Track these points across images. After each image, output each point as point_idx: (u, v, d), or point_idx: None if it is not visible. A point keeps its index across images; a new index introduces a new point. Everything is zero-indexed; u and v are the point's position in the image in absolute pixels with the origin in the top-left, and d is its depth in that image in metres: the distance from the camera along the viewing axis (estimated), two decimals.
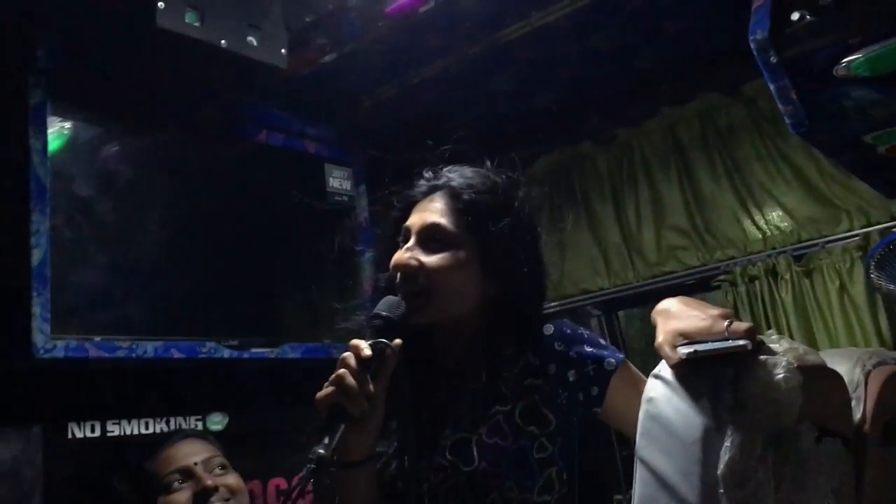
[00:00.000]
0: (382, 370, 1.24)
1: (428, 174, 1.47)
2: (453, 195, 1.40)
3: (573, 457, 1.33)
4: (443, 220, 1.37)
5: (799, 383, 1.01)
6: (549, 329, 1.36)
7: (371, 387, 1.20)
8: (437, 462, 1.28)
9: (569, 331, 1.36)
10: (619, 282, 3.26)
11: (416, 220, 1.39)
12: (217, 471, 1.89)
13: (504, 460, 1.25)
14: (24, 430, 2.10)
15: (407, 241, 1.38)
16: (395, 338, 1.25)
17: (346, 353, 1.22)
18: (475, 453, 1.26)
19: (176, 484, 1.83)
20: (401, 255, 1.36)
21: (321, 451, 1.12)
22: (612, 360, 1.32)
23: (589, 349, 1.33)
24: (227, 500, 1.84)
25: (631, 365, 1.34)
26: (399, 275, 1.34)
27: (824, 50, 1.50)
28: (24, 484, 2.07)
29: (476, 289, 1.37)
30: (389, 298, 1.31)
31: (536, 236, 1.46)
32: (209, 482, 1.81)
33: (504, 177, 1.45)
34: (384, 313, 1.28)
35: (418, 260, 1.34)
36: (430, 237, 1.36)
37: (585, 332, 1.38)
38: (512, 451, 1.26)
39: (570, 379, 1.31)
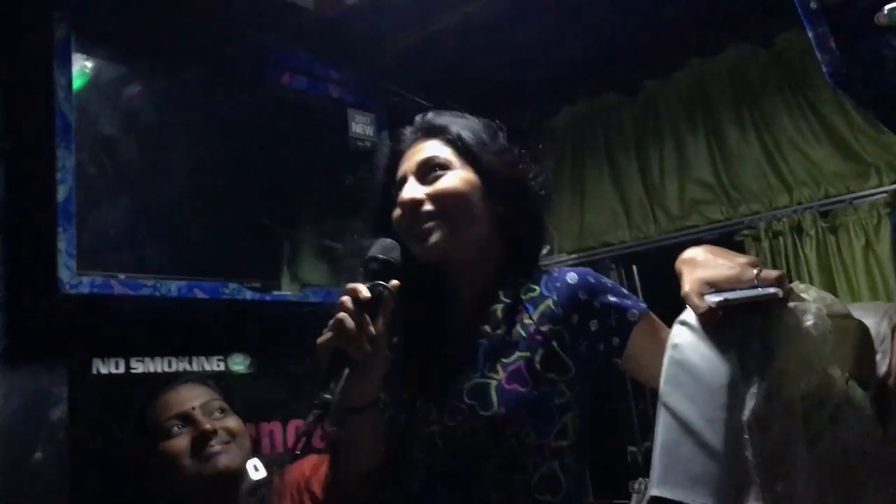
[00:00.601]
0: (382, 312, 1.21)
1: (407, 128, 1.46)
2: (438, 131, 1.40)
3: (588, 404, 1.32)
4: (435, 152, 1.37)
5: (828, 329, 1.01)
6: (573, 277, 1.34)
7: (372, 329, 1.18)
8: (453, 404, 1.26)
9: (592, 280, 1.34)
10: (640, 235, 3.25)
11: (407, 164, 1.38)
12: (216, 414, 1.89)
13: (524, 407, 1.24)
14: (50, 366, 2.13)
15: (403, 187, 1.36)
16: (391, 279, 1.23)
17: (344, 297, 1.19)
18: (494, 398, 1.24)
19: (175, 429, 1.83)
20: (404, 193, 1.33)
21: (326, 395, 1.11)
22: (636, 311, 1.30)
23: (613, 299, 1.31)
24: (227, 442, 1.85)
25: (654, 316, 1.32)
26: (406, 214, 1.32)
27: None
28: (50, 418, 2.11)
29: (484, 210, 1.35)
30: (383, 240, 1.29)
31: (527, 167, 1.43)
32: (208, 426, 1.82)
33: (483, 119, 1.46)
34: (380, 256, 1.26)
35: (423, 191, 1.33)
36: (428, 170, 1.35)
37: (609, 282, 1.36)
38: (532, 398, 1.25)
39: (592, 329, 1.30)
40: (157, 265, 2.29)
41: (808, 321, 1.01)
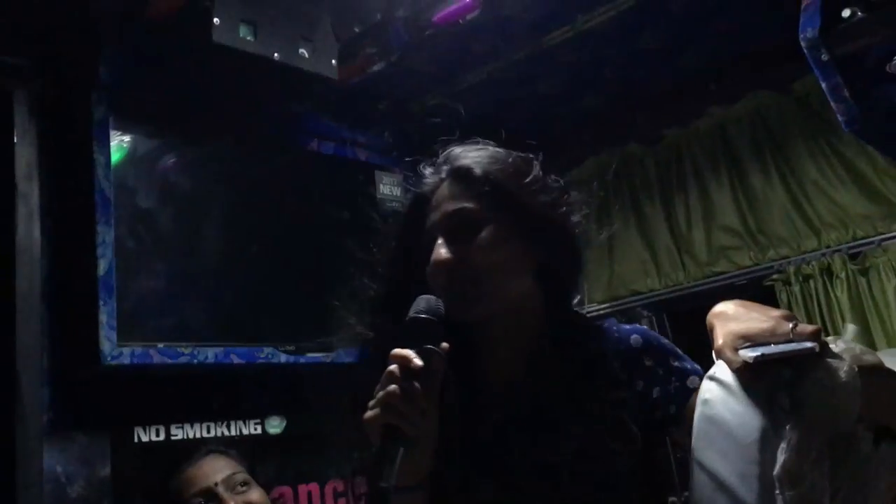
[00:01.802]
0: (433, 381, 1.08)
1: (428, 168, 1.30)
2: (463, 176, 1.23)
3: (652, 471, 1.26)
4: (464, 204, 1.21)
5: (858, 386, 1.01)
6: (637, 340, 1.25)
7: (425, 402, 1.05)
8: (512, 485, 1.17)
9: (657, 344, 1.26)
10: (670, 282, 3.25)
11: (435, 217, 1.22)
12: (239, 488, 1.88)
13: (592, 483, 1.17)
14: (93, 435, 2.18)
15: (433, 244, 1.21)
16: (439, 342, 1.10)
17: (392, 366, 1.06)
18: (564, 477, 1.16)
19: None
20: (435, 256, 1.18)
21: (384, 483, 1.00)
22: (696, 378, 1.21)
23: (675, 364, 1.24)
24: None
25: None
26: (440, 276, 1.18)
27: (876, 46, 1.49)
28: (94, 488, 2.15)
29: (523, 263, 1.22)
30: (426, 297, 1.15)
31: (560, 196, 1.28)
32: (231, 503, 1.83)
33: (509, 150, 1.30)
34: (424, 315, 1.12)
35: (455, 252, 1.17)
36: (459, 226, 1.20)
37: (669, 344, 1.28)
38: (599, 474, 1.17)
39: (654, 395, 1.22)
40: (194, 332, 2.34)
41: (841, 378, 1.01)
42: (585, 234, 1.34)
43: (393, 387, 1.04)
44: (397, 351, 1.07)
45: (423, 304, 1.13)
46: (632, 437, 1.19)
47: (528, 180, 1.24)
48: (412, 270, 1.23)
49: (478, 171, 1.22)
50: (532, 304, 1.25)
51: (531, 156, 1.28)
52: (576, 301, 1.42)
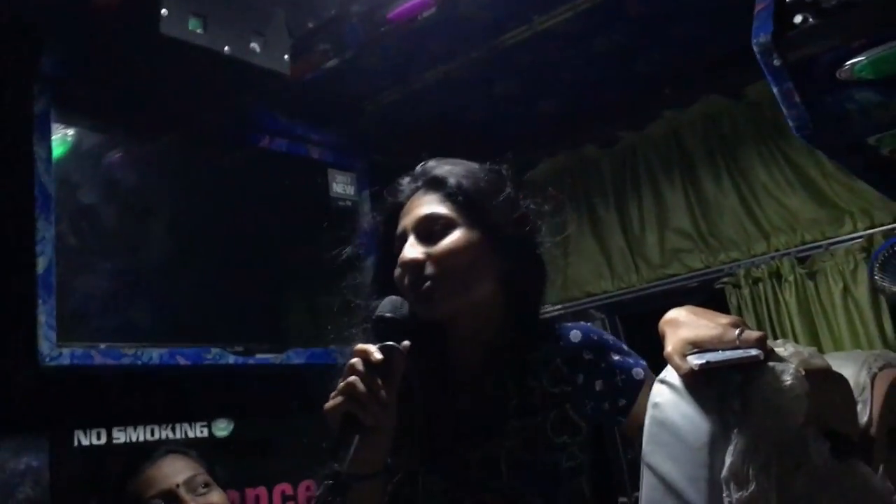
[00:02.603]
0: (393, 375, 1.16)
1: (405, 178, 1.39)
2: (437, 184, 1.33)
3: (599, 465, 1.31)
4: (435, 209, 1.30)
5: (805, 390, 1.01)
6: (576, 336, 1.32)
7: (384, 393, 1.13)
8: (461, 475, 1.23)
9: (596, 338, 1.32)
10: (623, 285, 3.27)
11: (407, 220, 1.31)
12: (200, 489, 1.85)
13: (534, 475, 1.22)
14: (32, 438, 2.11)
15: (403, 244, 1.30)
16: (402, 340, 1.18)
17: (354, 359, 1.14)
18: (503, 468, 1.22)
19: None
20: (403, 253, 1.27)
21: (337, 465, 1.07)
22: (640, 371, 1.29)
23: (617, 358, 1.30)
24: None
25: (652, 375, 1.31)
26: (407, 274, 1.26)
27: (827, 53, 1.50)
28: (32, 492, 2.08)
29: (488, 267, 1.29)
30: (391, 298, 1.24)
31: (528, 213, 1.37)
32: None
33: (482, 164, 1.40)
34: (388, 314, 1.21)
35: (424, 252, 1.26)
36: (429, 228, 1.28)
37: (610, 338, 1.35)
38: (542, 465, 1.23)
39: (597, 388, 1.28)
40: (138, 333, 2.28)
41: (786, 381, 1.01)
42: (543, 240, 1.40)
43: (353, 378, 1.12)
44: (359, 346, 1.16)
45: (388, 304, 1.23)
46: (576, 430, 1.26)
47: (498, 194, 1.33)
48: (383, 273, 1.33)
49: (451, 180, 1.32)
50: (494, 307, 1.32)
51: (504, 173, 1.38)
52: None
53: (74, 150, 2.32)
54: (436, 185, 1.33)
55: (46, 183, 2.12)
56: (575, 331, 1.33)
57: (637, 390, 1.27)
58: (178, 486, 1.81)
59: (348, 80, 2.70)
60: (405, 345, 1.19)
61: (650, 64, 2.88)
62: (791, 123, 1.61)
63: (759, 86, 2.86)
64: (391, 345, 1.17)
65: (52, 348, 2.05)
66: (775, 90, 1.57)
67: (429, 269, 1.25)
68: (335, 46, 2.53)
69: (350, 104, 2.90)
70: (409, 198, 1.35)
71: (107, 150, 2.40)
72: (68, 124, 2.29)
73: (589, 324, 1.37)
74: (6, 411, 2.07)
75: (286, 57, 2.35)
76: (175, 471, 1.86)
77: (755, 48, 1.54)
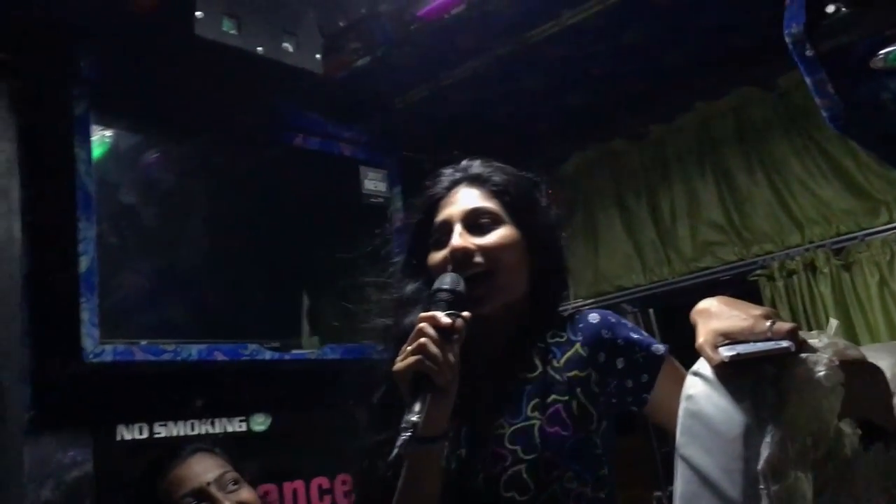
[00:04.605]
0: (457, 342, 1.20)
1: (447, 171, 1.44)
2: (481, 181, 1.39)
3: (614, 455, 1.32)
4: (484, 203, 1.36)
5: (840, 381, 1.01)
6: (594, 317, 1.34)
7: (451, 356, 1.17)
8: (495, 451, 1.25)
9: (613, 319, 1.35)
10: (655, 278, 3.26)
11: (453, 210, 1.36)
12: (230, 486, 1.86)
13: (566, 449, 1.24)
14: (75, 433, 2.16)
15: (446, 235, 1.34)
16: (461, 311, 1.22)
17: (423, 324, 1.17)
18: (537, 441, 1.23)
19: None
20: (453, 241, 1.32)
21: (414, 417, 1.08)
22: (660, 347, 1.31)
23: (636, 336, 1.32)
24: None
25: (673, 358, 1.33)
26: (456, 261, 1.30)
27: (861, 42, 1.48)
28: (75, 485, 2.13)
29: (526, 267, 1.36)
30: (449, 274, 1.28)
31: (559, 216, 1.46)
32: (225, 502, 1.81)
33: (516, 169, 1.46)
34: (448, 287, 1.24)
35: (473, 242, 1.32)
36: (477, 219, 1.34)
37: (625, 320, 1.37)
38: (573, 441, 1.24)
39: (619, 366, 1.30)
40: (177, 329, 2.32)
41: (819, 372, 1.01)
42: (568, 231, 1.51)
43: (424, 339, 1.15)
44: (427, 312, 1.20)
45: (448, 279, 1.26)
46: (591, 416, 1.27)
47: (535, 197, 1.42)
48: (418, 259, 1.38)
49: (496, 178, 1.39)
50: (520, 304, 1.36)
51: (536, 178, 1.46)
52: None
53: (113, 151, 2.37)
54: (480, 181, 1.39)
55: (87, 184, 2.17)
56: (593, 314, 1.35)
57: (658, 366, 1.29)
58: (208, 484, 1.82)
59: (379, 77, 2.72)
60: (467, 314, 1.22)
61: (680, 56, 2.87)
62: (824, 114, 1.59)
63: (791, 76, 2.83)
64: (454, 312, 1.21)
65: (94, 345, 2.10)
66: (808, 81, 1.56)
67: (477, 259, 1.31)
68: (366, 45, 2.55)
69: (381, 102, 2.92)
70: (449, 190, 1.40)
71: (144, 150, 2.45)
72: (107, 126, 2.34)
73: (606, 310, 1.39)
74: (52, 407, 2.12)
75: (318, 56, 2.39)
76: (204, 469, 1.87)
77: (787, 38, 1.53)
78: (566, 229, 1.47)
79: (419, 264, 1.38)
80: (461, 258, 1.30)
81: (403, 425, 1.09)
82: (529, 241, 1.36)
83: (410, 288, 1.39)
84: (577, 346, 1.32)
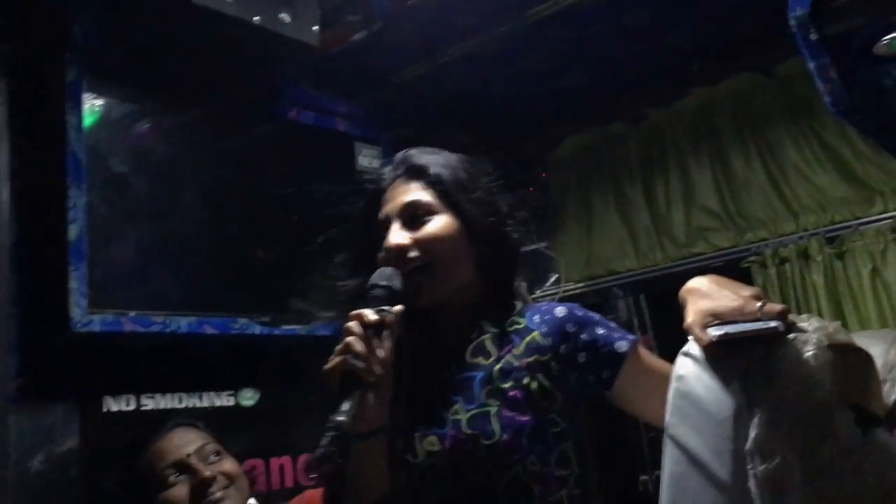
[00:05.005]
0: (388, 336, 1.21)
1: (389, 164, 1.46)
2: (418, 173, 1.39)
3: (582, 436, 1.32)
4: (418, 196, 1.36)
5: (828, 360, 1.01)
6: (561, 311, 1.35)
7: (381, 351, 1.18)
8: (454, 436, 1.25)
9: (580, 313, 1.35)
10: (648, 263, 3.26)
11: (390, 206, 1.37)
12: (212, 458, 1.86)
13: (524, 433, 1.24)
14: (61, 403, 2.14)
15: (386, 231, 1.35)
16: (394, 306, 1.24)
17: (350, 323, 1.19)
18: (496, 426, 1.24)
19: (172, 478, 1.81)
20: (389, 238, 1.33)
21: (340, 417, 1.09)
22: (625, 343, 1.30)
23: (601, 332, 1.32)
24: (226, 487, 1.83)
25: (643, 348, 1.33)
26: (392, 258, 1.31)
27: (865, 27, 1.48)
28: (60, 456, 2.11)
29: (468, 256, 1.36)
30: (383, 269, 1.29)
31: (506, 208, 1.44)
32: (206, 473, 1.80)
33: (460, 155, 1.46)
34: (382, 283, 1.26)
35: (409, 237, 1.32)
36: (412, 214, 1.35)
37: (597, 316, 1.37)
38: (531, 425, 1.25)
39: (581, 361, 1.30)
40: (167, 301, 2.30)
41: (808, 352, 1.01)
42: (561, 214, 1.41)
43: (351, 338, 1.17)
44: (354, 311, 1.21)
45: (380, 275, 1.28)
46: (552, 397, 1.28)
47: (475, 184, 1.40)
48: (365, 255, 1.38)
49: (432, 169, 1.39)
50: (471, 291, 1.38)
51: (480, 163, 1.45)
52: (551, 281, 1.48)
53: (104, 120, 2.33)
54: (417, 173, 1.39)
55: (78, 151, 2.14)
56: (560, 307, 1.36)
57: (620, 363, 1.29)
58: (189, 455, 1.83)
59: (375, 53, 2.69)
60: (397, 309, 1.24)
61: (679, 40, 2.85)
62: (826, 99, 1.59)
63: (791, 63, 2.83)
64: (384, 308, 1.23)
65: (82, 315, 2.08)
66: (811, 65, 1.55)
67: (412, 253, 1.31)
68: (363, 18, 2.53)
69: (377, 78, 2.89)
70: (390, 185, 1.40)
71: (137, 119, 2.42)
72: (99, 94, 2.30)
73: (574, 304, 1.39)
74: (38, 376, 2.10)
75: (315, 28, 2.36)
76: (185, 441, 1.88)
77: (792, 22, 1.53)
78: (544, 210, 1.46)
79: (366, 259, 1.37)
80: (396, 255, 1.31)
81: (328, 425, 1.09)
82: (470, 228, 1.36)
83: (353, 284, 1.39)
84: (536, 334, 1.32)
